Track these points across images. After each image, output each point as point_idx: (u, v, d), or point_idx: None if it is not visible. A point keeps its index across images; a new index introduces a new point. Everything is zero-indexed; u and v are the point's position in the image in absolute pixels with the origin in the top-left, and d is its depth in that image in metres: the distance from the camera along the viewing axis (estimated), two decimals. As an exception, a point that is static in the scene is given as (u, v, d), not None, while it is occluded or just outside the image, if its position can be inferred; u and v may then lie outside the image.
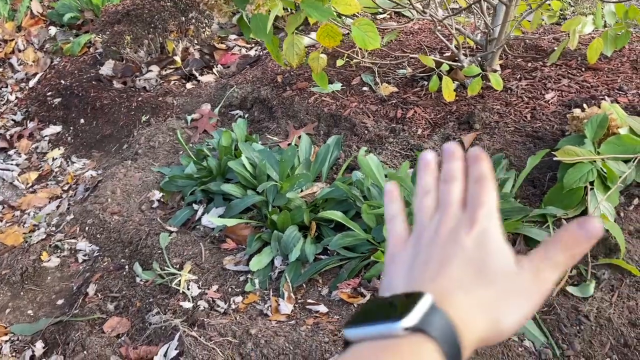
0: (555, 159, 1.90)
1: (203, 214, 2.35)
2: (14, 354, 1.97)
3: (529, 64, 2.75)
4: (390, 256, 0.52)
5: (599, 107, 2.15)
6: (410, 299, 0.43)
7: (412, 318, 0.41)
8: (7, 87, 3.83)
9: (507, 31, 2.54)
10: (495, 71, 2.65)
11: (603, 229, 0.46)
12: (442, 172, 0.54)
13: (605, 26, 2.80)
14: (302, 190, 2.19)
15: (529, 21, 2.82)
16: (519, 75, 2.66)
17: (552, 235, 0.47)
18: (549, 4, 2.64)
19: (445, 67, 2.61)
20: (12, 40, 4.06)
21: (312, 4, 2.03)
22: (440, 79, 2.46)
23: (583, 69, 2.60)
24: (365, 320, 0.44)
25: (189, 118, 3.07)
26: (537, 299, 0.45)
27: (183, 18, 3.48)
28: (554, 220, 1.86)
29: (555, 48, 2.59)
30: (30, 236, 2.52)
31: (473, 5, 2.61)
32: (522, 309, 0.45)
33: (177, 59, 3.49)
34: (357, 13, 2.89)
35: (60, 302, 2.20)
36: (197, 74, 3.41)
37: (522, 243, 1.81)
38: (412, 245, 0.50)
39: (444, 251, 0.47)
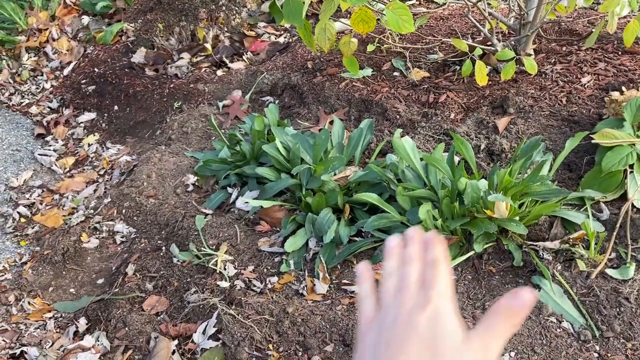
0: (593, 141, 1.88)
1: (237, 197, 2.39)
2: (58, 330, 2.04)
3: (564, 48, 2.71)
4: (360, 334, 0.57)
5: (638, 90, 2.11)
6: None
7: None
8: (42, 75, 3.92)
9: (542, 15, 2.50)
10: (529, 55, 2.62)
11: (536, 298, 0.52)
12: (403, 255, 0.60)
13: (641, 9, 2.75)
14: (335, 174, 2.21)
15: (564, 5, 2.77)
16: (553, 59, 2.62)
17: (492, 307, 0.52)
18: (586, -14, 2.59)
19: (478, 52, 2.59)
20: (47, 29, 4.14)
21: (347, -13, 2.04)
22: (473, 63, 2.45)
23: (619, 53, 2.56)
24: None
25: (220, 104, 3.10)
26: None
27: (213, 6, 3.51)
28: (592, 204, 1.85)
29: (593, 31, 2.55)
30: (70, 218, 2.59)
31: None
32: None
33: (208, 46, 3.52)
34: (389, -2, 2.88)
35: (100, 281, 2.27)
36: (227, 61, 3.45)
37: (559, 226, 1.80)
38: (378, 326, 0.55)
39: (402, 332, 0.52)
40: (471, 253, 1.78)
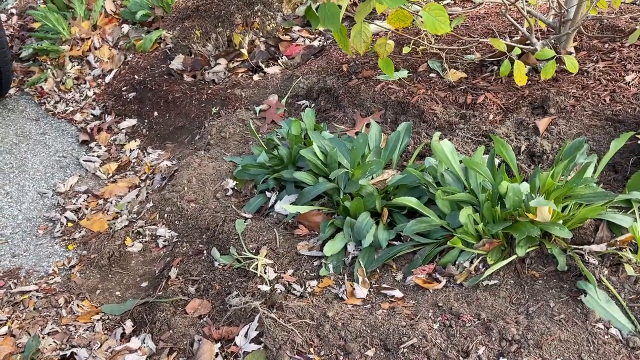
0: (639, 142, 1.83)
1: (276, 201, 2.42)
2: (106, 332, 2.11)
3: (606, 45, 2.64)
4: None
5: (687, 87, 2.04)
6: None
7: None
8: (85, 83, 4.05)
9: (583, 12, 2.45)
10: (569, 53, 2.57)
11: None
12: None
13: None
14: (373, 178, 2.21)
15: (608, 1, 2.70)
16: (595, 57, 2.56)
17: None
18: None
19: (516, 51, 2.55)
20: (89, 38, 4.28)
21: (384, -10, 2.04)
22: (512, 63, 2.41)
23: (666, 49, 2.48)
24: None
25: (257, 109, 3.14)
26: None
27: (249, 11, 3.56)
28: (639, 206, 1.80)
29: (637, 27, 2.47)
30: (114, 223, 2.67)
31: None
32: None
33: (244, 51, 3.58)
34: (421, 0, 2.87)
35: (144, 284, 2.33)
36: (263, 66, 3.49)
37: (605, 229, 1.76)
38: None
39: None
40: (513, 257, 1.76)
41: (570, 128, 2.22)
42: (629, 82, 2.33)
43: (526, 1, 3.03)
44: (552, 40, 2.58)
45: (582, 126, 2.21)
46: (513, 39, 2.86)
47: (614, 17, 2.82)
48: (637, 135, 1.85)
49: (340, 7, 2.07)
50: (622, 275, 1.64)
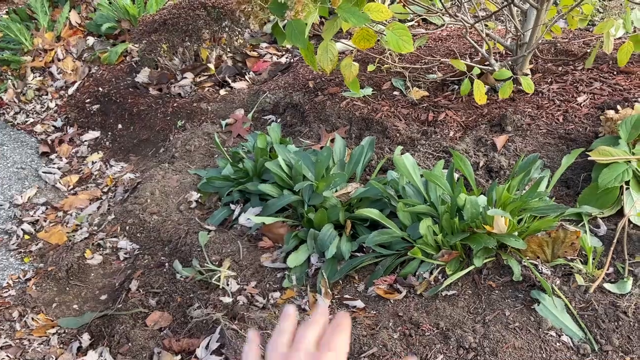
0: (589, 159, 1.92)
1: (240, 213, 2.42)
2: (61, 346, 2.05)
3: (560, 68, 2.77)
4: None
5: (633, 108, 2.16)
6: None
7: None
8: (47, 94, 3.98)
9: (538, 36, 2.57)
10: (526, 75, 2.68)
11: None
12: (308, 320, 0.63)
13: (634, 31, 2.81)
14: (337, 190, 2.24)
15: (562, 26, 2.84)
16: (549, 79, 2.68)
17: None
18: (580, 9, 2.66)
19: (476, 71, 2.65)
20: (52, 49, 4.22)
21: (349, 9, 2.10)
22: (472, 82, 2.50)
23: (615, 73, 2.61)
24: None
25: (223, 123, 3.15)
26: None
27: (216, 27, 3.59)
28: (589, 219, 1.88)
29: (588, 51, 2.61)
30: (74, 235, 2.62)
31: (503, 10, 2.65)
32: None
33: (211, 66, 3.59)
34: (389, 19, 2.95)
35: (103, 297, 2.29)
36: (230, 81, 3.51)
37: (557, 241, 1.82)
38: None
39: None
40: (471, 268, 1.81)
41: (526, 145, 2.31)
42: (581, 103, 2.45)
43: (486, 25, 3.16)
44: (510, 62, 2.69)
45: (537, 143, 2.30)
46: (473, 60, 2.97)
47: (568, 42, 2.96)
48: (587, 152, 1.94)
49: (306, 24, 2.11)
50: (572, 285, 1.71)
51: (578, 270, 1.74)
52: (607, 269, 1.73)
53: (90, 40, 4.24)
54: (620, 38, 2.90)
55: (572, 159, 1.94)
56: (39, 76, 4.12)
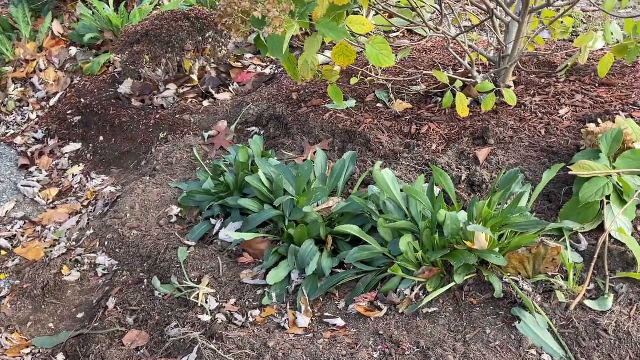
0: (570, 173, 1.91)
1: (221, 228, 2.38)
2: (35, 367, 2.00)
3: (542, 80, 2.77)
4: None
5: (614, 122, 2.16)
6: None
7: None
8: (28, 105, 3.92)
9: (520, 48, 2.57)
10: (508, 87, 2.68)
11: None
12: None
13: (617, 42, 2.82)
14: (318, 205, 2.22)
15: (543, 38, 2.85)
16: (532, 91, 2.68)
17: None
18: (562, 21, 2.66)
19: (458, 84, 2.64)
20: (34, 60, 4.17)
21: (327, 24, 2.09)
22: (454, 95, 2.50)
23: (596, 85, 2.62)
24: None
25: (206, 135, 3.12)
26: None
27: (200, 38, 3.56)
28: (570, 234, 1.87)
29: (569, 63, 2.62)
30: (51, 251, 2.56)
31: (485, 23, 2.65)
32: None
33: (194, 77, 3.56)
34: (370, 31, 2.94)
35: (80, 315, 2.24)
36: (213, 92, 3.48)
37: (538, 257, 1.81)
38: None
39: None
40: (452, 284, 1.79)
41: (508, 158, 2.30)
42: (563, 116, 2.45)
43: (469, 37, 3.16)
44: (492, 74, 2.69)
45: (519, 157, 2.30)
46: (457, 72, 2.97)
47: (550, 54, 2.97)
48: (568, 167, 1.93)
49: (285, 38, 2.09)
50: (553, 302, 1.69)
51: (559, 286, 1.72)
52: (588, 285, 1.72)
53: (73, 50, 4.20)
54: (602, 50, 2.92)
55: (553, 174, 1.93)
56: (21, 87, 4.07)
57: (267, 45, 2.19)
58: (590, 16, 3.74)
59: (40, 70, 4.10)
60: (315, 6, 2.08)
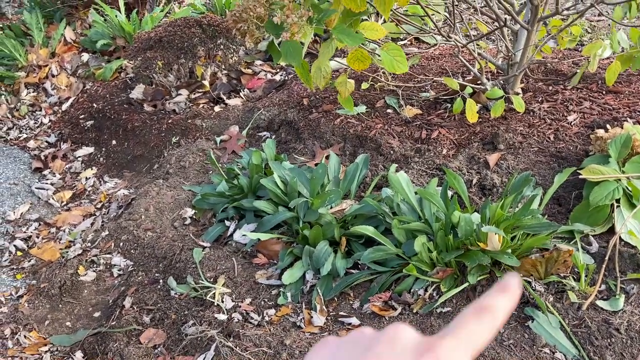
0: (580, 177, 1.95)
1: (235, 230, 2.42)
2: (54, 364, 2.03)
3: (550, 87, 2.82)
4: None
5: (622, 127, 2.20)
6: None
7: None
8: (41, 110, 3.98)
9: (529, 55, 2.62)
10: (517, 94, 2.72)
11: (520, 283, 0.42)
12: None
13: (622, 51, 2.87)
14: (331, 207, 2.26)
15: (550, 46, 2.90)
16: (540, 98, 2.73)
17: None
18: (569, 30, 2.72)
19: (468, 90, 2.69)
20: (46, 65, 4.23)
21: (344, 30, 2.14)
22: (464, 101, 2.54)
23: (604, 92, 2.67)
24: None
25: (218, 139, 3.17)
26: None
27: (211, 44, 3.62)
28: (581, 237, 1.91)
29: (577, 71, 2.66)
30: (67, 252, 2.60)
31: (495, 32, 2.70)
32: None
33: (206, 83, 3.61)
34: (380, 39, 3.00)
35: (97, 314, 2.27)
36: (224, 98, 3.53)
37: (550, 258, 1.85)
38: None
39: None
40: (465, 285, 1.82)
41: (518, 163, 2.34)
42: (571, 122, 2.49)
43: (478, 44, 3.21)
44: (501, 81, 2.74)
45: (528, 161, 2.34)
46: (465, 79, 3.02)
47: (558, 62, 3.02)
48: (578, 171, 1.97)
49: (302, 43, 2.15)
50: (566, 302, 1.72)
51: (571, 287, 1.76)
52: (600, 286, 1.76)
53: (85, 56, 4.26)
54: (608, 58, 2.97)
55: (564, 177, 1.97)
56: (33, 92, 4.12)
57: (282, 51, 2.24)
58: (595, 25, 3.80)
59: (53, 76, 4.16)
60: (332, 13, 2.14)
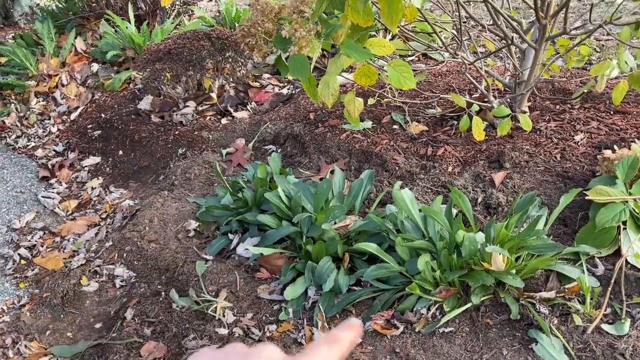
0: (587, 198, 1.94)
1: (238, 243, 2.42)
2: (53, 375, 2.03)
3: (557, 106, 2.81)
4: None
5: (630, 149, 2.19)
6: None
7: None
8: (49, 119, 4.01)
9: (536, 74, 2.61)
10: (524, 112, 2.72)
11: (361, 327, 0.54)
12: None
13: (631, 70, 2.86)
14: (335, 222, 2.25)
15: (559, 65, 2.90)
16: (547, 117, 2.72)
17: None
18: (577, 49, 2.72)
19: (475, 108, 2.69)
20: (56, 75, 4.27)
21: (351, 45, 2.15)
22: (470, 118, 2.54)
23: (611, 112, 2.66)
24: None
25: (224, 152, 3.18)
26: None
27: (220, 57, 3.65)
28: (587, 259, 1.89)
29: (584, 89, 2.66)
30: (70, 261, 2.60)
31: (502, 50, 2.70)
32: None
33: (213, 95, 3.63)
34: (388, 55, 3.01)
35: (98, 325, 2.26)
36: (231, 110, 3.55)
37: (555, 280, 1.83)
38: None
39: None
40: (469, 305, 1.80)
41: (524, 182, 2.33)
42: (578, 142, 2.48)
43: (485, 62, 3.21)
44: (508, 99, 2.74)
45: (534, 181, 2.33)
46: (472, 96, 3.02)
47: (565, 81, 3.01)
48: (584, 192, 1.96)
49: (310, 58, 2.16)
50: (570, 325, 1.70)
51: (576, 310, 1.74)
52: (605, 310, 1.73)
53: (95, 66, 4.30)
54: (616, 78, 2.96)
55: (570, 198, 1.95)
56: (42, 101, 4.16)
57: (289, 66, 2.25)
58: (603, 45, 3.79)
59: (62, 85, 4.19)
60: (339, 27, 2.15)
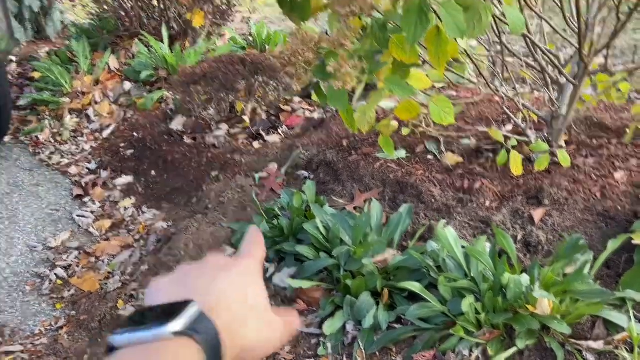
0: (633, 242, 1.92)
1: (274, 272, 2.43)
2: (92, 402, 2.04)
3: (594, 141, 2.79)
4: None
5: (674, 190, 2.17)
6: (179, 306, 0.48)
7: (180, 323, 0.46)
8: (82, 136, 4.07)
9: (575, 109, 2.61)
10: (560, 147, 2.71)
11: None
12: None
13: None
14: (374, 256, 2.25)
15: (593, 95, 2.89)
16: (585, 152, 2.70)
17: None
18: (618, 88, 2.71)
19: (512, 142, 2.68)
20: (90, 93, 4.34)
21: (395, 81, 2.15)
22: (508, 152, 2.53)
23: (651, 150, 2.63)
24: (133, 326, 0.47)
25: (256, 176, 3.20)
26: (285, 338, 0.57)
27: (253, 80, 3.69)
28: (633, 305, 1.87)
29: (623, 124, 2.64)
30: (106, 283, 2.63)
31: (539, 82, 2.70)
32: (274, 338, 0.55)
33: (246, 118, 3.67)
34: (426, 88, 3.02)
35: (135, 352, 2.28)
36: (263, 134, 3.58)
37: (601, 326, 1.81)
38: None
39: (215, 272, 0.54)
40: (514, 350, 1.79)
41: (564, 220, 2.31)
42: (618, 180, 2.46)
43: (521, 95, 3.21)
44: (545, 134, 2.73)
45: (575, 219, 2.31)
46: (506, 127, 3.02)
47: (602, 115, 3.00)
48: (631, 236, 1.94)
49: (354, 93, 2.17)
50: (619, 375, 1.68)
51: (623, 358, 1.71)
52: (653, 358, 1.71)
53: (127, 85, 4.37)
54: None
55: (618, 243, 1.94)
56: (76, 118, 4.23)
57: (327, 95, 2.26)
58: None
59: (96, 103, 4.26)
60: (384, 65, 2.17)
